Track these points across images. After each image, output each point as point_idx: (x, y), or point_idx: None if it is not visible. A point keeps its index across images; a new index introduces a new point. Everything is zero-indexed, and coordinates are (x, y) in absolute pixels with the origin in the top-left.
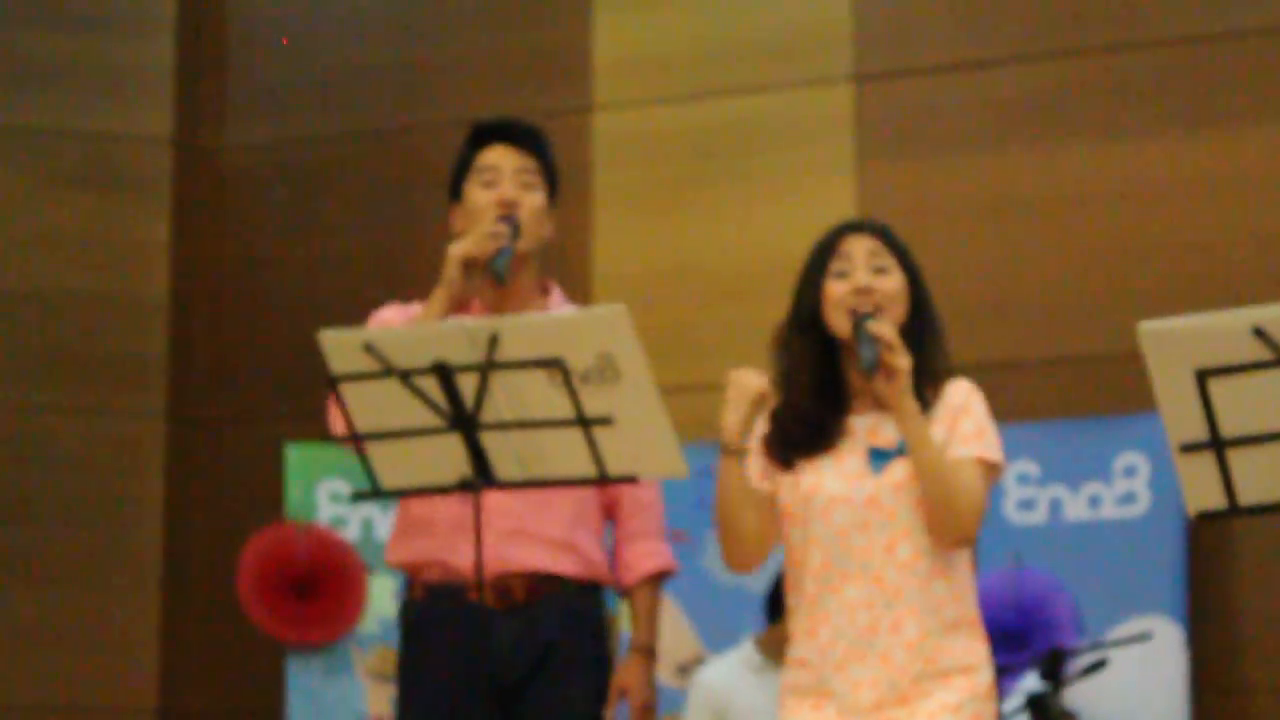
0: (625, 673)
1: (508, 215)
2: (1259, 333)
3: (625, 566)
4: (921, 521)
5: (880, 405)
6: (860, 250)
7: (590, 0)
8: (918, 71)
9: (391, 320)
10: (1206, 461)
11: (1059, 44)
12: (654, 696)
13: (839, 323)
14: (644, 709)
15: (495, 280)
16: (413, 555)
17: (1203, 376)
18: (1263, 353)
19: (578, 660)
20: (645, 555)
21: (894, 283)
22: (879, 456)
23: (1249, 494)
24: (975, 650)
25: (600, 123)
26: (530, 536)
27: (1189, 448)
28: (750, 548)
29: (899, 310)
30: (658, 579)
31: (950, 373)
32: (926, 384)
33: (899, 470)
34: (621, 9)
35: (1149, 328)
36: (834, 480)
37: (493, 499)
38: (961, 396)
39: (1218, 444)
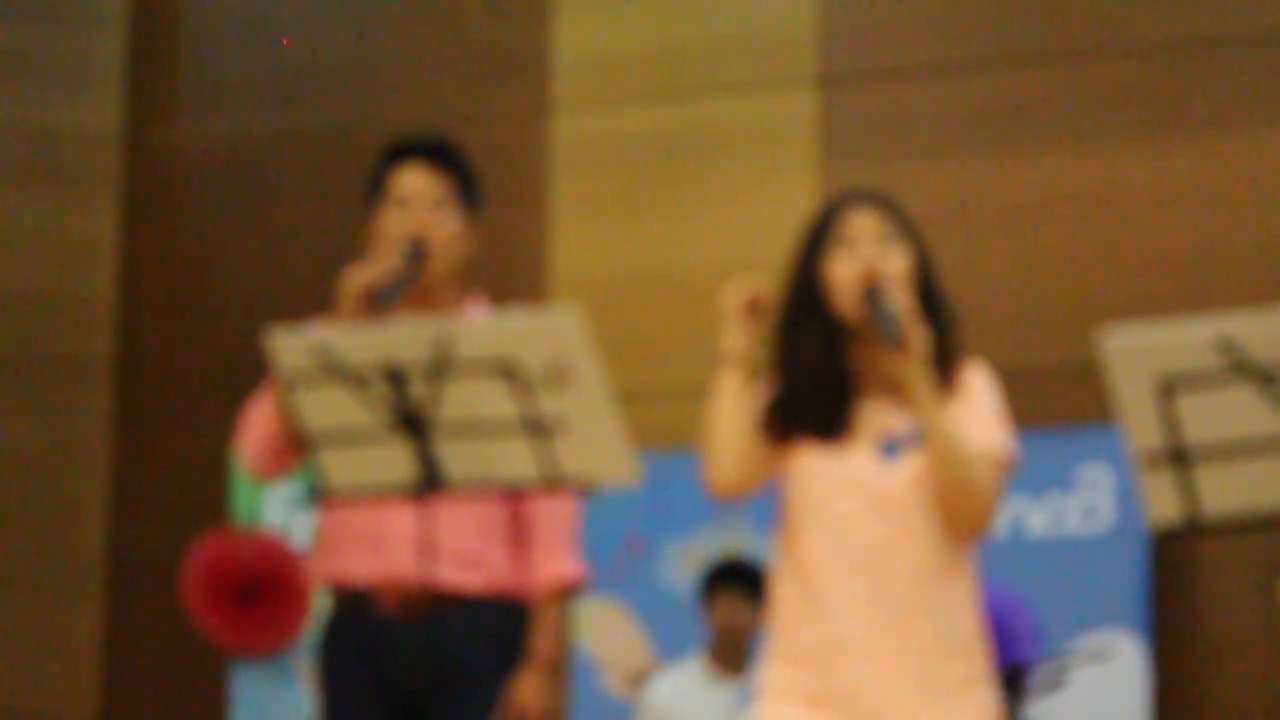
0: (514, 684)
1: (415, 248)
2: (1222, 343)
3: (528, 578)
4: (933, 520)
5: (892, 392)
6: (865, 229)
7: (551, 0)
8: (882, 75)
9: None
10: (1168, 475)
11: (1027, 49)
12: (539, 709)
13: (848, 307)
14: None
15: (378, 308)
16: (324, 570)
17: (1164, 387)
18: (1225, 363)
19: (483, 673)
20: (545, 567)
21: (904, 262)
22: (890, 448)
23: (1211, 508)
24: (976, 664)
25: (560, 124)
26: (437, 549)
27: (1149, 460)
28: (732, 465)
29: (907, 292)
30: (558, 591)
31: (964, 354)
32: (944, 368)
33: (913, 463)
34: (583, 9)
35: (1109, 336)
36: (840, 468)
37: (399, 511)
38: (977, 381)
39: (1179, 456)
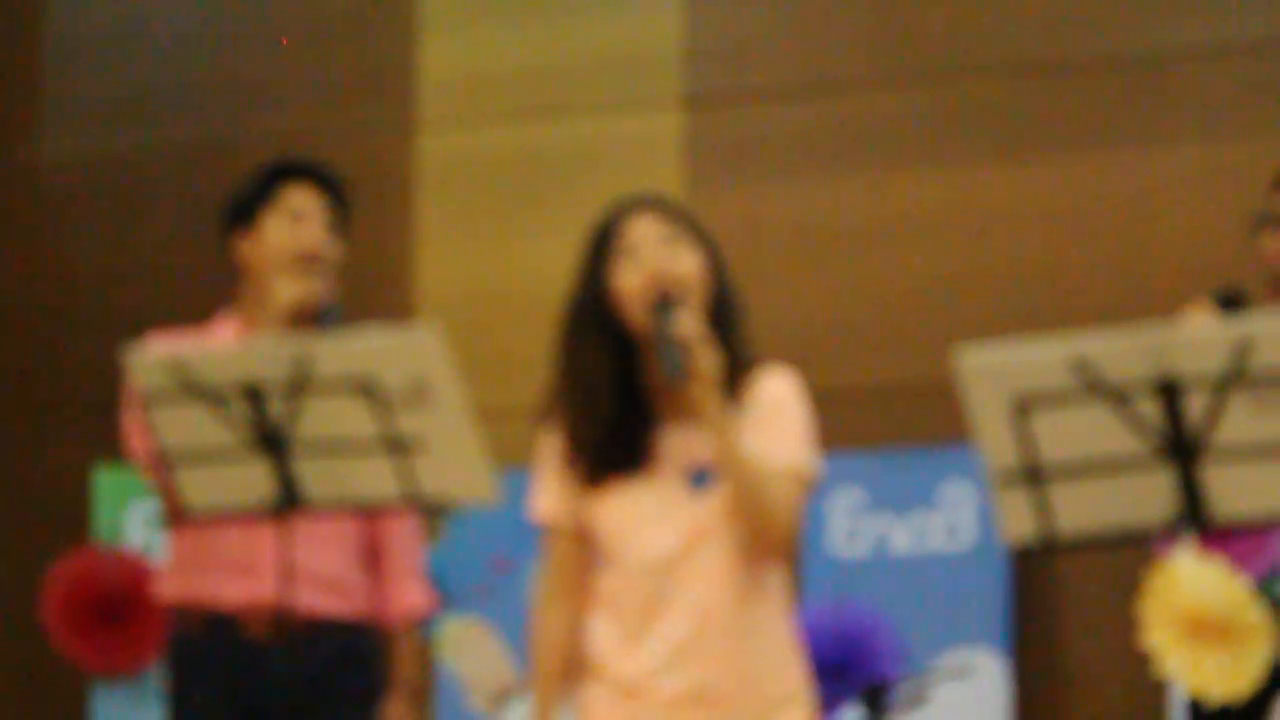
0: (385, 712)
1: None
2: (1076, 362)
3: (384, 603)
4: (742, 545)
5: (692, 413)
6: (646, 234)
7: (417, 18)
8: (748, 96)
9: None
10: (1023, 493)
11: (890, 71)
12: None
13: (639, 319)
14: None
15: (325, 326)
16: (184, 592)
17: (1019, 406)
18: (1079, 382)
19: (346, 695)
20: (402, 595)
21: (690, 264)
22: (699, 478)
23: (1065, 526)
24: (792, 683)
25: (425, 142)
26: (301, 574)
27: (1005, 478)
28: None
29: (698, 295)
30: (414, 621)
31: (757, 358)
32: (736, 375)
33: (722, 492)
34: (449, 27)
35: (964, 356)
36: (651, 507)
37: (266, 536)
38: (778, 391)
39: (1034, 475)
